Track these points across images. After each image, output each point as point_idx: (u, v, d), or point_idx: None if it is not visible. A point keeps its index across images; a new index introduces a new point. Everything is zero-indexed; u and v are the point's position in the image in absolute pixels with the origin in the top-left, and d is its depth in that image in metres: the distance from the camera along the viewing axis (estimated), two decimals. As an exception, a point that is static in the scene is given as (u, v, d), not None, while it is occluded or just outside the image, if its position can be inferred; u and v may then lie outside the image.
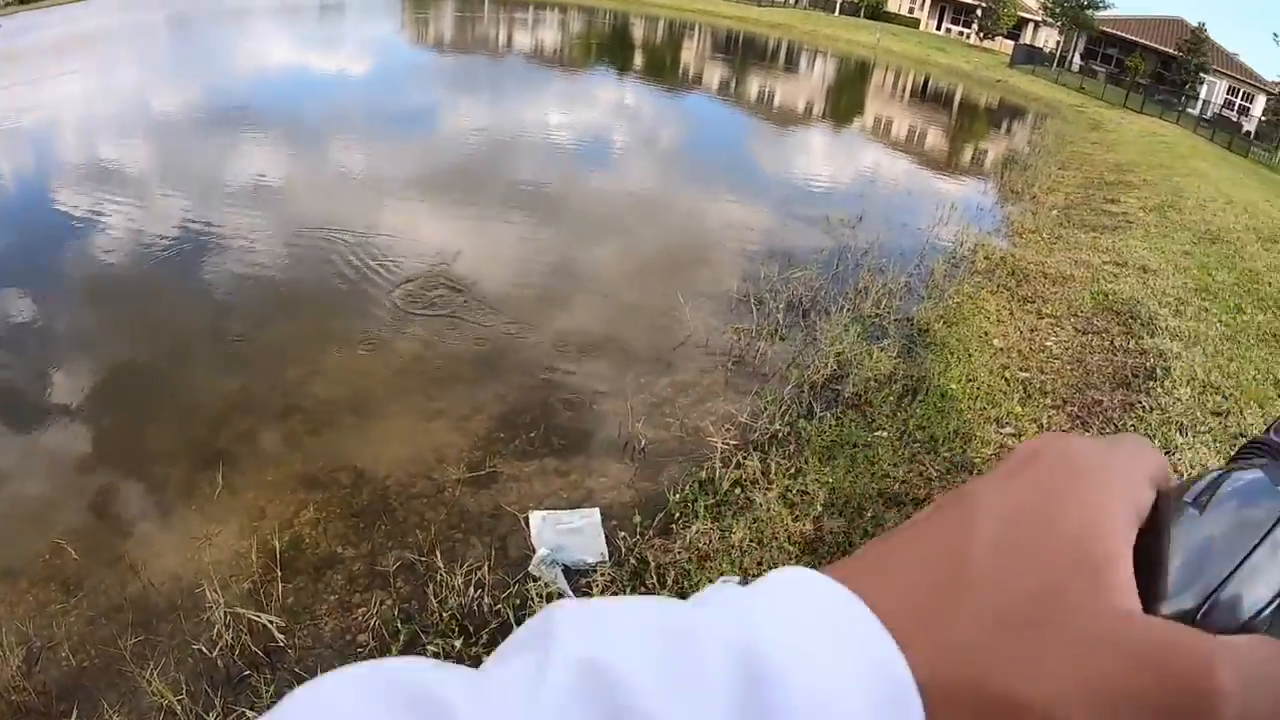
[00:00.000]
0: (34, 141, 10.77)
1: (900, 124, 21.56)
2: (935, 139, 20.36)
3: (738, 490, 4.20)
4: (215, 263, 6.77)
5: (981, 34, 55.48)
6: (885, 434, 4.84)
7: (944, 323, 6.52)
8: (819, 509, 4.07)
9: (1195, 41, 45.93)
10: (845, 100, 25.55)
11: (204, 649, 3.04)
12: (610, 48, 30.11)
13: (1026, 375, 5.81)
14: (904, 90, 31.34)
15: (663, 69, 26.16)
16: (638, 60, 27.69)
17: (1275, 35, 58.90)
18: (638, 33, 37.31)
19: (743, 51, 35.45)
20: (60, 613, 3.22)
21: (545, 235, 8.12)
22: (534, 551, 3.60)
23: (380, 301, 6.18)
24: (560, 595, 3.39)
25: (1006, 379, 5.71)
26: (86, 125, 11.64)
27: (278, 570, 3.39)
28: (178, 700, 2.82)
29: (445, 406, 4.89)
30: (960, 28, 58.16)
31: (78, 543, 3.58)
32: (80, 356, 5.31)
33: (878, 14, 57.59)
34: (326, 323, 5.87)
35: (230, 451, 4.31)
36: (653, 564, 3.55)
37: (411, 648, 3.10)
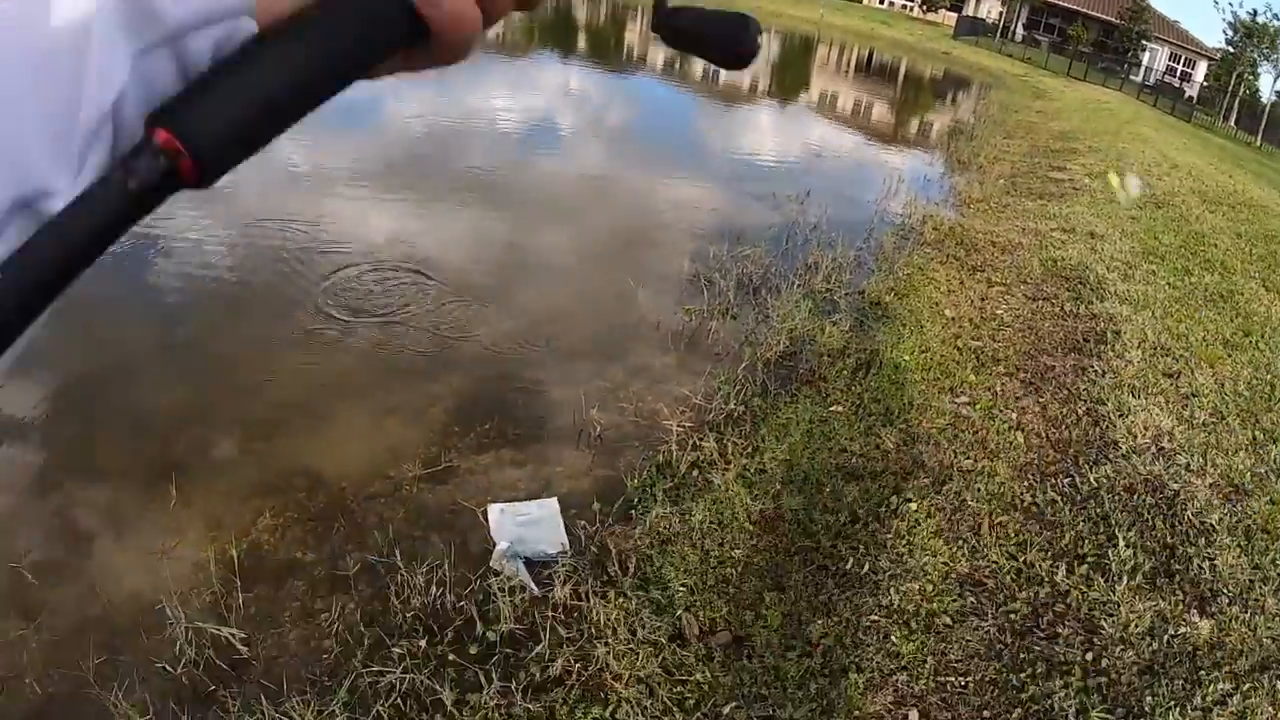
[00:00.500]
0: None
1: (846, 98, 21.64)
2: (881, 112, 20.46)
3: (695, 472, 4.20)
4: (158, 265, 6.61)
5: (925, 7, 55.79)
6: (841, 409, 4.87)
7: (895, 295, 6.56)
8: (777, 487, 4.09)
9: (1137, 10, 46.66)
10: (790, 76, 25.57)
11: (168, 667, 2.97)
12: (553, 31, 29.88)
13: (978, 344, 5.86)
14: (849, 64, 31.45)
15: (607, 50, 26.00)
16: (581, 42, 27.50)
17: (1215, 2, 60.04)
18: (580, 15, 37.04)
19: (687, 31, 35.20)
20: (21, 641, 3.12)
21: (494, 222, 8.03)
22: (494, 545, 3.57)
23: (328, 297, 6.07)
24: (523, 589, 3.37)
25: (959, 348, 5.76)
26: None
27: (237, 581, 3.32)
28: (144, 721, 2.77)
29: (398, 403, 4.83)
30: (904, 1, 58.40)
31: (34, 567, 3.48)
32: (18, 371, 5.15)
33: (821, -11, 57.69)
34: (275, 322, 5.75)
35: (183, 462, 4.21)
36: (614, 551, 3.54)
37: (376, 651, 3.06)
